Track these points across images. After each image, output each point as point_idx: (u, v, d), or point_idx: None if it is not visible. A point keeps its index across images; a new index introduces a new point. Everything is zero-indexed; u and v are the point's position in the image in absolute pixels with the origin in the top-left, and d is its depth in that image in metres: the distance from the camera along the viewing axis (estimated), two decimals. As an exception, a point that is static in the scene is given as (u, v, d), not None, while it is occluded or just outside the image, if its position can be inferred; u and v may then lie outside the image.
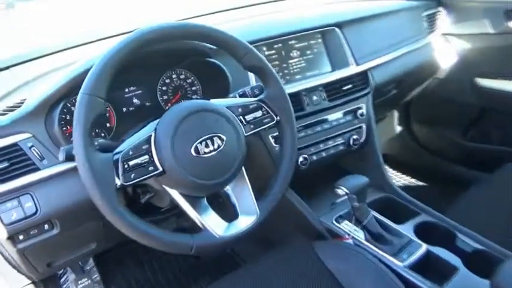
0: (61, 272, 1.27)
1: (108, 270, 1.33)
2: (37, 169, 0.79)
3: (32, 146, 0.79)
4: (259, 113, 0.81)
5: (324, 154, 1.15)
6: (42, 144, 0.80)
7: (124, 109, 0.99)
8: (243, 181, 0.80)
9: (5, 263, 0.90)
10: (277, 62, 1.12)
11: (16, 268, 0.91)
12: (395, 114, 1.88)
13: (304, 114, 1.11)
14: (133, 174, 0.67)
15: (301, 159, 1.10)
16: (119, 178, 0.65)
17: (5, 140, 0.78)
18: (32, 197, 0.79)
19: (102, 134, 0.95)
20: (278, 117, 0.83)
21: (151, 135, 0.70)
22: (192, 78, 1.06)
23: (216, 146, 0.72)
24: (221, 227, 0.74)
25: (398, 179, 1.90)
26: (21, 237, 0.80)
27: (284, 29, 1.14)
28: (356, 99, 1.20)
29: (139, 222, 0.66)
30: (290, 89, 1.09)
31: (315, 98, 1.12)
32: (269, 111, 0.82)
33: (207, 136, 0.71)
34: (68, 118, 0.85)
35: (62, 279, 1.25)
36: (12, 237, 0.80)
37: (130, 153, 0.67)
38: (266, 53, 1.10)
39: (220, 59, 0.99)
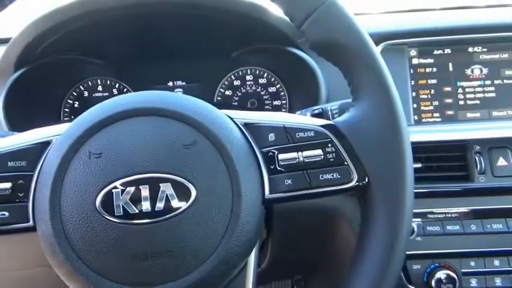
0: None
1: None
2: None
3: None
4: (314, 153, 0.33)
5: (499, 284, 0.55)
6: None
7: None
8: None
9: None
10: (433, 81, 0.60)
11: None
12: None
13: (473, 190, 0.55)
14: None
15: (441, 276, 0.53)
16: None
17: None
18: None
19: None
20: (365, 178, 0.33)
21: (43, 143, 0.33)
22: (273, 79, 0.66)
23: (167, 205, 0.29)
24: None
25: None
26: None
27: (465, 22, 0.61)
28: None
29: None
30: (450, 134, 0.56)
31: (500, 163, 0.54)
32: (342, 155, 0.33)
33: (151, 176, 0.30)
34: None
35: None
36: None
37: None
38: (417, 61, 0.60)
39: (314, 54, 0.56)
